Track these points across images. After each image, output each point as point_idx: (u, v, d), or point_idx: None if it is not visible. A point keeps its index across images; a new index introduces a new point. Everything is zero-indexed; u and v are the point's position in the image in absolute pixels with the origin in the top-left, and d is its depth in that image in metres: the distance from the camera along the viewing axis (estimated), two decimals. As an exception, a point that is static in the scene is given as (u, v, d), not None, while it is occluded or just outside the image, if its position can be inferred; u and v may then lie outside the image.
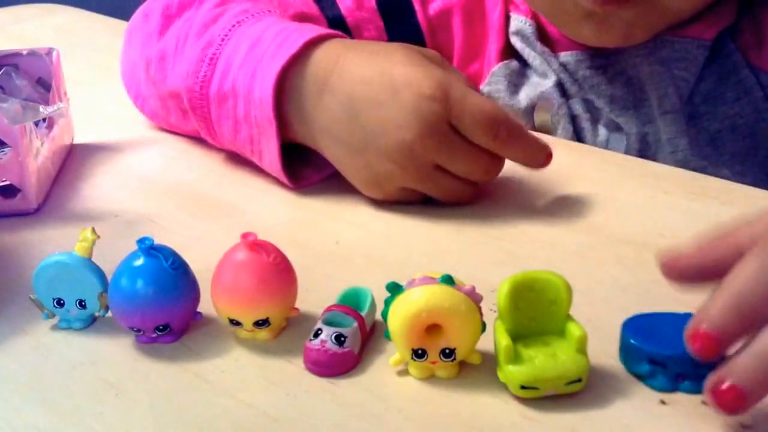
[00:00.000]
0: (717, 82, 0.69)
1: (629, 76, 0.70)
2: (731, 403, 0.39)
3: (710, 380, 0.39)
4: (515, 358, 0.42)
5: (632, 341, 0.43)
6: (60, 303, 0.49)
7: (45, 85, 0.69)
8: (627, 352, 0.44)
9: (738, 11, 0.69)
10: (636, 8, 0.65)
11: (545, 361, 0.42)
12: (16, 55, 0.70)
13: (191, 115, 0.65)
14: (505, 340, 0.42)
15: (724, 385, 0.38)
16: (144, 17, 0.73)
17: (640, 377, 0.43)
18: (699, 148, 0.69)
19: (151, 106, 0.73)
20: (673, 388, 0.43)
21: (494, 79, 0.74)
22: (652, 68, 0.69)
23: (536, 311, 0.43)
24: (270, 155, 0.61)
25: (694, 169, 0.66)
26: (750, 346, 0.39)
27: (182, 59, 0.66)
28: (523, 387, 0.42)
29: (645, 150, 0.70)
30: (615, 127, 0.71)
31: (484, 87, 0.74)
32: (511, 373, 0.42)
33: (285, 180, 0.62)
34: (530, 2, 0.72)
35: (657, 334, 0.43)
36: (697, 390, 0.42)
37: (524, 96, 0.73)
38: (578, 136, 0.71)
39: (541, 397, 0.42)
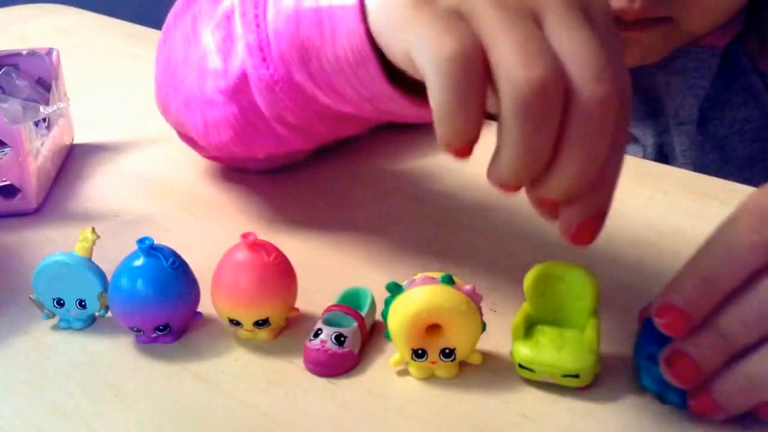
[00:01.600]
0: (725, 87, 0.69)
1: (645, 86, 0.70)
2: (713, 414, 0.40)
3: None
4: (526, 339, 0.43)
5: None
6: (60, 303, 0.49)
7: (45, 85, 0.69)
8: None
9: (745, 18, 0.69)
10: (658, 32, 0.65)
11: (548, 347, 0.42)
12: (16, 55, 0.70)
13: (240, 29, 0.52)
14: (517, 319, 0.43)
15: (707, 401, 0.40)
16: None
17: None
18: (706, 154, 0.69)
19: (186, 87, 0.59)
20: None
21: None
22: (669, 78, 0.69)
23: (562, 302, 0.44)
24: (347, 18, 0.44)
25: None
26: (738, 365, 0.39)
27: None
28: (521, 366, 0.42)
29: (661, 161, 0.70)
30: (632, 139, 0.71)
31: None
32: (514, 349, 0.43)
33: (369, 53, 0.44)
34: None
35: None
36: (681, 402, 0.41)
37: None
38: None
39: (539, 380, 0.43)
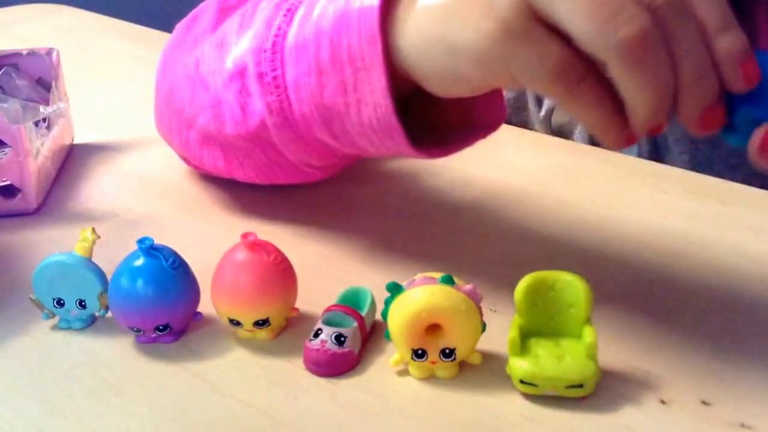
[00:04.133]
0: None
1: None
2: None
3: None
4: (522, 352, 0.42)
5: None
6: (60, 303, 0.49)
7: (45, 85, 0.70)
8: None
9: (732, 7, 0.70)
10: None
11: (549, 360, 0.42)
12: (16, 55, 0.70)
13: (258, 88, 0.53)
14: (512, 333, 0.42)
15: None
16: (191, 20, 0.63)
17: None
18: (695, 144, 0.70)
19: (199, 126, 0.58)
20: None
21: None
22: None
23: (555, 311, 0.43)
24: (374, 91, 0.47)
25: (693, 167, 0.66)
26: None
27: (249, 29, 0.55)
28: (522, 381, 0.42)
29: (656, 153, 0.70)
30: None
31: (507, 92, 0.74)
32: (513, 365, 0.42)
33: (396, 126, 0.47)
34: None
35: None
36: None
37: (547, 100, 0.72)
38: (594, 140, 0.71)
39: (542, 395, 0.42)
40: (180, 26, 0.64)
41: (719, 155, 0.70)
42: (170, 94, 0.61)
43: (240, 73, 0.54)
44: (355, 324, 0.46)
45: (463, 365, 0.45)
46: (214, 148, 0.59)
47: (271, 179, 0.59)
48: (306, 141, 0.53)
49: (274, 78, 0.52)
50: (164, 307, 0.46)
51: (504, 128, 0.74)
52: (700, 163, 0.69)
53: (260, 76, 0.53)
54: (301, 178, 0.58)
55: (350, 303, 0.47)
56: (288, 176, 0.58)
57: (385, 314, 0.44)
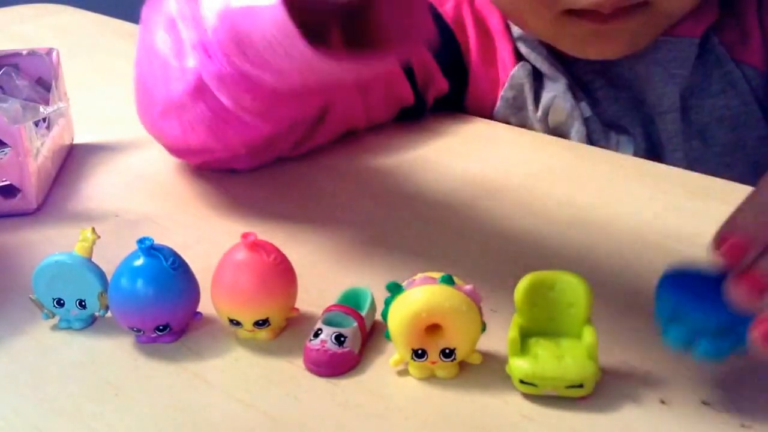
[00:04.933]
0: (704, 76, 0.70)
1: (628, 78, 0.71)
2: None
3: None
4: (522, 352, 0.42)
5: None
6: (60, 303, 0.49)
7: (45, 85, 0.69)
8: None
9: (720, 8, 0.71)
10: (638, 19, 0.65)
11: (549, 360, 0.42)
12: (16, 55, 0.70)
13: (183, 28, 0.56)
14: (512, 333, 0.42)
15: None
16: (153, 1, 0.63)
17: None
18: (688, 141, 0.70)
19: (158, 98, 0.60)
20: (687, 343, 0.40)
21: (515, 82, 0.73)
22: (649, 69, 0.70)
23: (555, 311, 0.43)
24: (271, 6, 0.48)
25: (687, 164, 0.66)
26: None
27: None
28: (522, 381, 0.42)
29: (652, 151, 0.71)
30: (623, 130, 0.71)
31: (506, 92, 0.73)
32: (513, 365, 0.42)
33: (291, 27, 0.47)
34: (529, 32, 0.72)
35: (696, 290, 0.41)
36: (714, 351, 0.40)
37: (542, 100, 0.73)
38: (590, 139, 0.71)
39: (542, 395, 0.42)
40: (143, 11, 0.64)
41: (713, 152, 0.71)
42: (139, 80, 0.63)
43: (172, 21, 0.57)
44: (355, 324, 0.46)
45: (463, 365, 0.45)
46: (171, 118, 0.60)
47: (221, 139, 0.60)
48: (233, 78, 0.54)
49: (193, 16, 0.55)
50: (164, 307, 0.46)
51: (503, 127, 0.74)
52: (694, 161, 0.69)
53: (182, 16, 0.55)
54: (250, 132, 0.60)
55: (350, 303, 0.47)
56: (237, 132, 0.59)
57: (385, 314, 0.44)
